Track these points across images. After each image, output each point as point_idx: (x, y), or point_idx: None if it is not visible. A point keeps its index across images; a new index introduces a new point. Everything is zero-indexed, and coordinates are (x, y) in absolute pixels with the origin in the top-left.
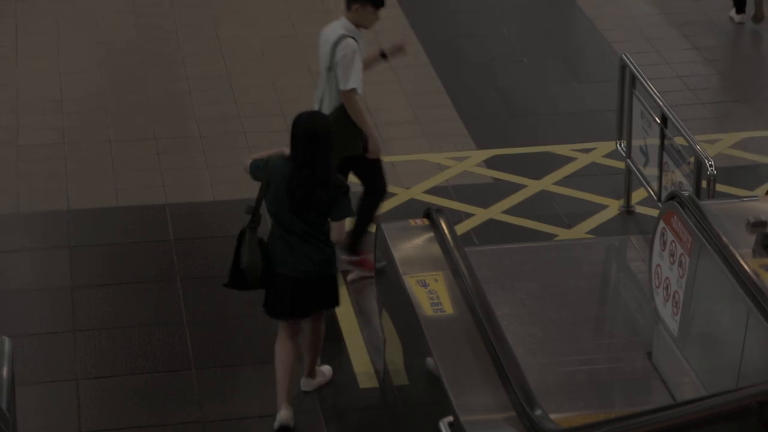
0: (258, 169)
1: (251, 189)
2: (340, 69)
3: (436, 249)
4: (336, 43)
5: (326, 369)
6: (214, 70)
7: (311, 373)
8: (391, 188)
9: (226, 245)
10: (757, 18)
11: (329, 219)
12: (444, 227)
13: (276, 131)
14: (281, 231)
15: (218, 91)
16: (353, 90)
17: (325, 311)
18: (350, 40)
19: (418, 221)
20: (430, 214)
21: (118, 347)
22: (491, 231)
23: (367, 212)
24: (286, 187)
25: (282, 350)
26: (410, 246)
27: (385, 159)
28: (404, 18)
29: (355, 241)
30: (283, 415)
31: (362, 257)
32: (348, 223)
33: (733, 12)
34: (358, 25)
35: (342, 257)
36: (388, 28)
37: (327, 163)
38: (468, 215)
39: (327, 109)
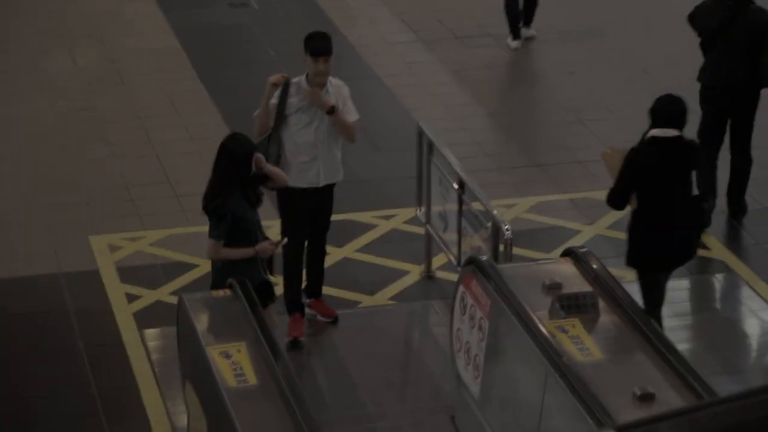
0: None
1: (48, 265)
2: None
3: (238, 319)
4: None
5: None
6: (8, 145)
7: None
8: (193, 259)
9: (23, 321)
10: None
11: None
12: (246, 298)
13: (74, 204)
14: None
15: (15, 166)
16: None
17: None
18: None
19: (221, 292)
20: (232, 284)
21: None
22: None
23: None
24: None
25: None
26: (213, 317)
27: (188, 230)
28: (204, 91)
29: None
30: None
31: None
32: None
33: (510, 39)
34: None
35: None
36: (188, 100)
37: (216, 176)
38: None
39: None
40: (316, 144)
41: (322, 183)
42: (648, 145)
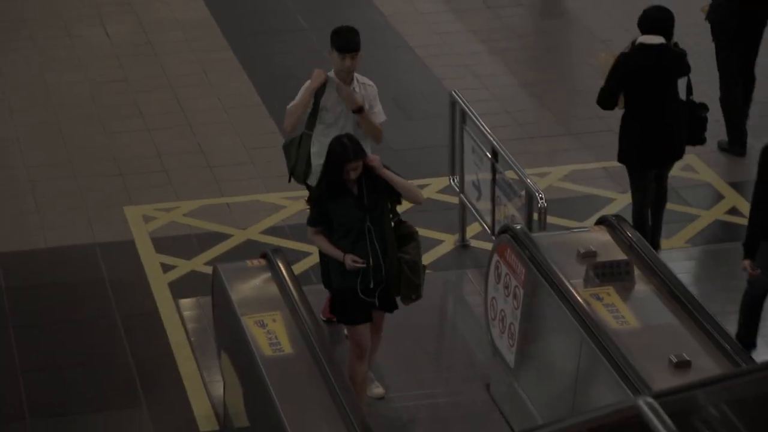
0: None
1: (83, 235)
2: None
3: (273, 289)
4: None
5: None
6: (43, 116)
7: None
8: (227, 229)
9: (58, 291)
10: None
11: None
12: (281, 267)
13: (108, 175)
14: None
15: (49, 137)
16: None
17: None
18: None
19: (255, 262)
20: (266, 254)
21: None
22: None
23: None
24: None
25: None
26: (248, 287)
27: (221, 200)
28: (236, 60)
29: None
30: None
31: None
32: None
33: None
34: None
35: None
36: (220, 70)
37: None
38: (305, 254)
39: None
40: None
41: None
42: (635, 50)
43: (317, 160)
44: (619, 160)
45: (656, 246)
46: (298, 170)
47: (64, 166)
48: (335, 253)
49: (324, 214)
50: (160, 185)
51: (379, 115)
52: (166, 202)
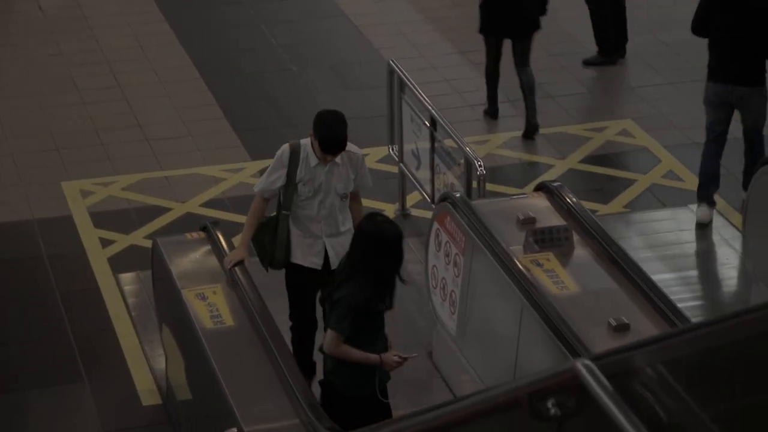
0: None
1: (21, 211)
2: None
3: (213, 262)
4: None
5: None
6: None
7: None
8: (165, 203)
9: (4, 269)
10: None
11: None
12: (221, 240)
13: (45, 150)
14: None
15: None
16: (258, 192)
17: None
18: (285, 146)
19: (195, 235)
20: (206, 227)
21: None
22: None
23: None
24: None
25: None
26: (187, 260)
27: (160, 174)
28: (172, 33)
29: None
30: None
31: None
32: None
33: None
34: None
35: None
36: (156, 43)
37: (354, 261)
38: None
39: None
40: (319, 219)
41: (322, 265)
42: None
43: (296, 231)
44: (479, 31)
45: (534, 128)
46: (278, 257)
47: (0, 143)
48: (372, 358)
49: (363, 318)
50: (98, 160)
51: (365, 181)
52: (103, 176)
